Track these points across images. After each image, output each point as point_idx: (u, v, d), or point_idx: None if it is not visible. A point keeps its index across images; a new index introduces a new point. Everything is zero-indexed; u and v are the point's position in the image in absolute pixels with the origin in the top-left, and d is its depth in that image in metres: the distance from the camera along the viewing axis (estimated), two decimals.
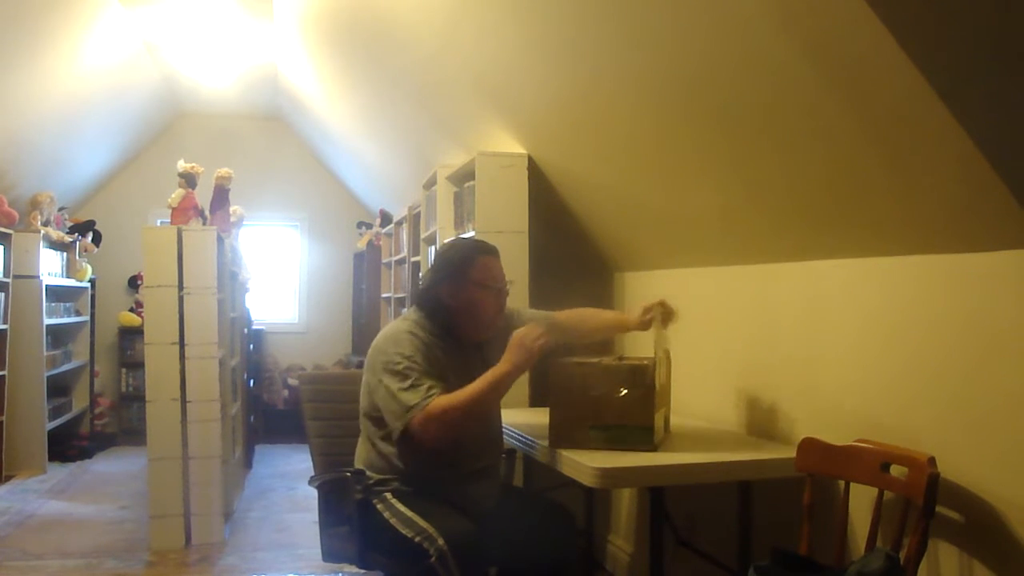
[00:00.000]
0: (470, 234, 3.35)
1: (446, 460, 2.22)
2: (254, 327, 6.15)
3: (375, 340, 2.29)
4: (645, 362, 2.23)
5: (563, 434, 2.22)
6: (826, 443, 2.03)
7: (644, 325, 2.45)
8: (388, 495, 2.20)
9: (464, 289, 2.26)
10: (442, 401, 2.08)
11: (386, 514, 2.18)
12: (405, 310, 2.45)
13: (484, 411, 2.21)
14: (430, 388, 2.11)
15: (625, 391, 2.18)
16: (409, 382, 2.12)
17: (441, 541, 2.05)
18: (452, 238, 3.49)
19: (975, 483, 1.78)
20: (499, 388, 2.14)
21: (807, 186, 2.07)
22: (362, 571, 2.40)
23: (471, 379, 2.25)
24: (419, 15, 3.35)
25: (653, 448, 2.19)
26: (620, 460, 2.08)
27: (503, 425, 2.58)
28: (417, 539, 2.08)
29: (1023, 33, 1.32)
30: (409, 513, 2.15)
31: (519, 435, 2.48)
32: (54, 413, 5.59)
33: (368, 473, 2.26)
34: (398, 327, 2.28)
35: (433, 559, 2.04)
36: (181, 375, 3.78)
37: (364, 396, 2.29)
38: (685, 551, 2.60)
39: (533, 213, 3.32)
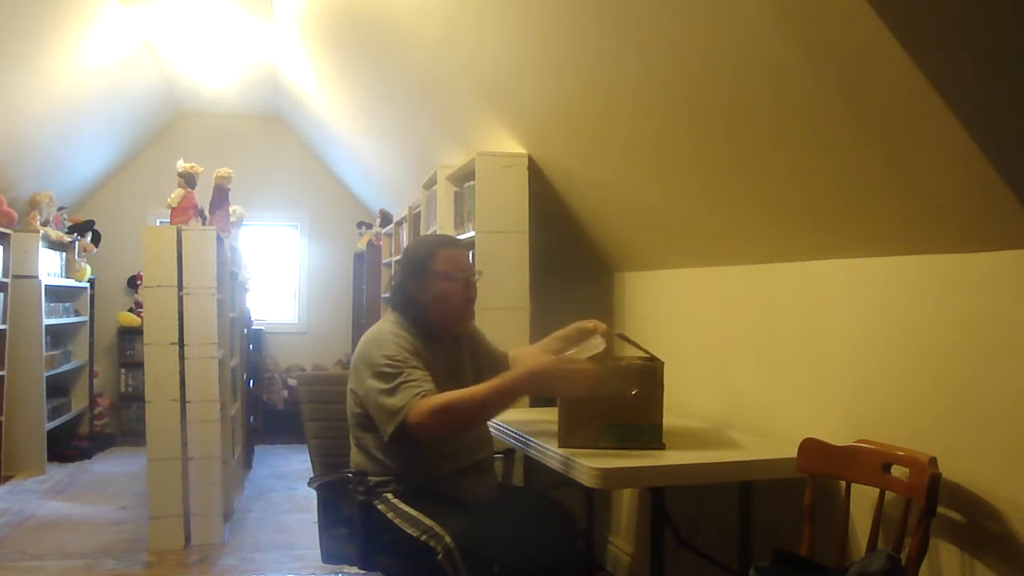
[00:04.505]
0: (470, 234, 3.35)
1: (439, 457, 2.22)
2: (254, 327, 6.15)
3: (359, 346, 2.27)
4: (655, 361, 2.24)
5: (573, 433, 2.22)
6: (827, 443, 2.03)
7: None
8: (389, 495, 2.20)
9: (431, 283, 2.28)
10: (445, 397, 2.08)
11: (390, 514, 2.17)
12: (385, 313, 2.45)
13: (489, 414, 2.21)
14: (420, 384, 2.10)
15: (636, 390, 2.19)
16: (397, 381, 2.11)
17: (448, 539, 2.05)
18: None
19: (976, 483, 1.78)
20: (505, 396, 2.11)
21: (808, 186, 2.07)
22: (363, 572, 2.39)
23: (457, 374, 2.26)
24: (419, 15, 3.35)
25: (662, 446, 2.20)
26: (620, 460, 2.08)
27: (503, 425, 2.59)
28: (423, 537, 2.08)
29: None
30: (413, 512, 2.14)
31: (519, 435, 2.48)
32: (53, 413, 5.58)
33: (368, 475, 2.25)
34: (380, 329, 2.28)
35: (440, 556, 2.03)
36: (180, 375, 3.77)
37: (351, 403, 2.29)
38: (686, 552, 2.60)
39: (533, 213, 3.32)
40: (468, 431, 2.23)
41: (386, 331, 2.25)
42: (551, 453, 2.23)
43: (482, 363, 2.49)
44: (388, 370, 2.13)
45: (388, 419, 2.10)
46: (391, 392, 2.11)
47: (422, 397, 2.07)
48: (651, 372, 2.21)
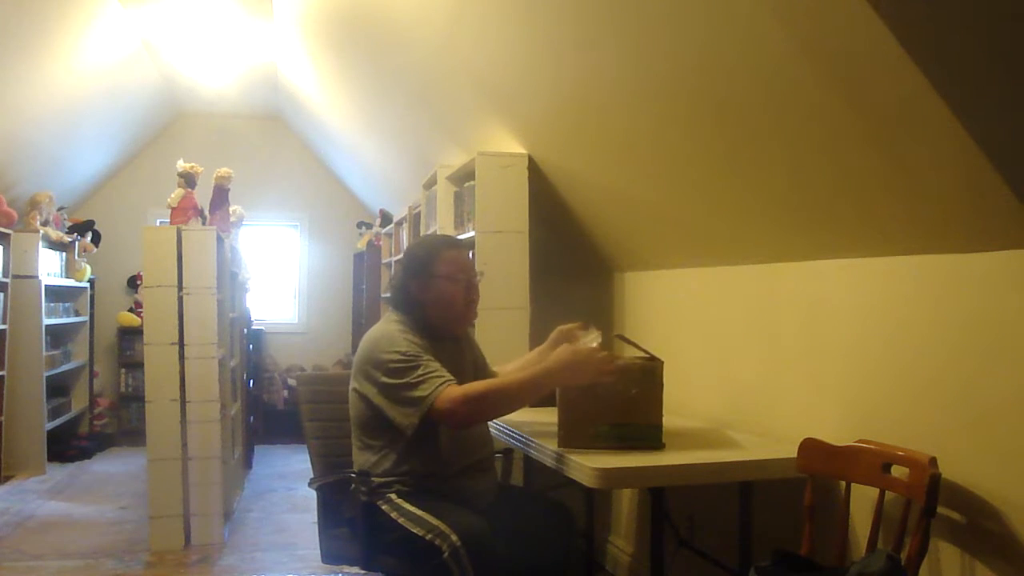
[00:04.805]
0: (470, 234, 3.35)
1: (443, 457, 2.22)
2: (254, 327, 6.15)
3: (363, 347, 2.26)
4: (655, 361, 2.23)
5: (573, 434, 2.22)
6: (827, 444, 2.03)
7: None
8: (393, 496, 2.20)
9: (432, 284, 2.29)
10: (479, 385, 2.14)
11: (393, 514, 2.17)
12: (386, 313, 2.45)
13: (518, 405, 2.22)
14: (441, 374, 2.12)
15: (635, 390, 2.18)
16: (417, 375, 2.12)
17: (455, 537, 2.05)
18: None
19: (976, 483, 1.78)
20: (537, 386, 2.16)
21: (807, 186, 2.07)
22: (363, 573, 2.39)
23: (459, 373, 2.26)
24: (419, 15, 3.35)
25: (662, 446, 2.20)
26: (620, 460, 2.08)
27: (504, 425, 2.59)
28: (429, 537, 2.08)
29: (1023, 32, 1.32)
30: (418, 512, 2.14)
31: (519, 435, 2.48)
32: (53, 413, 5.58)
33: (372, 476, 2.25)
34: (385, 328, 2.27)
35: (446, 555, 2.03)
36: (180, 375, 3.77)
37: (355, 404, 2.28)
38: (686, 552, 2.60)
39: (533, 213, 3.32)
40: (492, 419, 2.25)
41: (393, 330, 2.24)
42: (551, 453, 2.23)
43: (478, 369, 2.50)
44: (403, 365, 2.14)
45: (412, 411, 2.11)
46: (412, 385, 2.11)
47: (448, 386, 2.09)
48: (650, 372, 2.21)
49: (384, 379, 2.16)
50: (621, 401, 2.18)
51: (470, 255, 2.45)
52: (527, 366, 2.41)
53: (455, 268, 2.31)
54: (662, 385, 2.21)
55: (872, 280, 2.08)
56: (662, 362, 2.23)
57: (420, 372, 2.12)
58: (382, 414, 2.18)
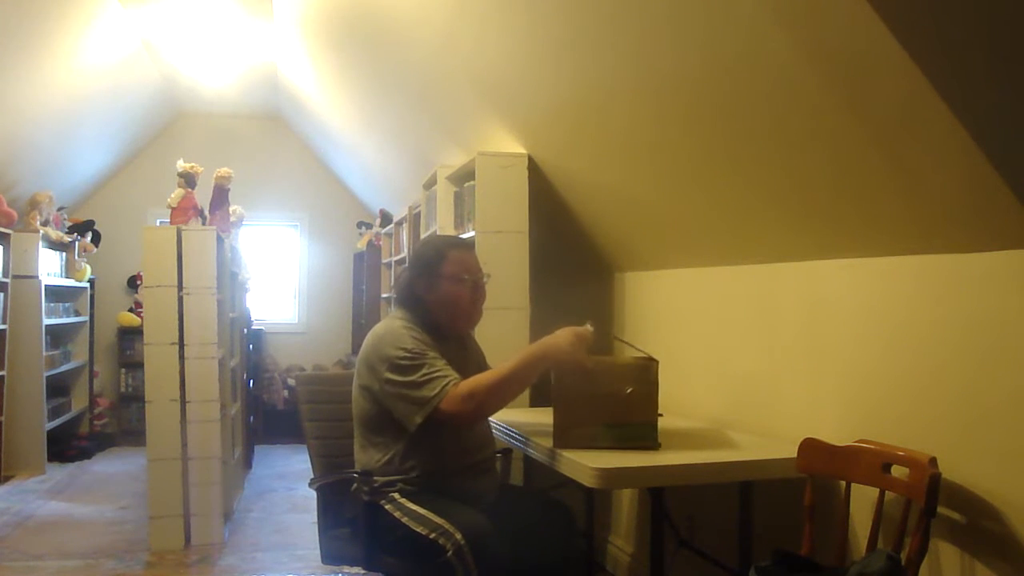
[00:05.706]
0: (470, 234, 3.35)
1: (445, 457, 2.22)
2: (254, 327, 6.15)
3: (368, 343, 2.27)
4: (650, 360, 2.23)
5: (568, 434, 2.21)
6: (827, 443, 2.03)
7: None
8: (396, 495, 2.20)
9: (439, 284, 2.30)
10: (472, 382, 2.12)
11: (396, 514, 2.17)
12: (391, 310, 2.46)
13: (515, 392, 2.22)
14: (447, 374, 2.13)
15: (631, 388, 2.18)
16: (422, 373, 2.13)
17: (459, 535, 2.05)
18: (427, 235, 3.49)
19: (976, 483, 1.78)
20: (527, 370, 2.16)
21: (808, 186, 2.07)
22: (364, 573, 2.39)
23: (462, 371, 2.26)
24: (419, 15, 3.35)
25: (658, 445, 2.20)
26: (620, 460, 2.08)
27: (504, 425, 2.59)
28: (433, 535, 2.08)
29: None
30: (422, 511, 2.14)
31: (519, 435, 2.48)
32: (53, 413, 5.58)
33: (374, 475, 2.25)
34: (391, 326, 2.27)
35: (450, 554, 2.03)
36: (180, 375, 3.77)
37: (358, 402, 2.28)
38: (686, 552, 2.60)
39: (533, 213, 3.32)
40: (498, 410, 2.26)
41: (398, 327, 2.25)
42: (550, 453, 2.23)
43: (481, 369, 2.50)
44: (409, 363, 2.14)
45: (417, 410, 2.12)
46: (419, 384, 2.12)
47: (454, 386, 2.10)
48: (645, 370, 2.21)
49: (389, 375, 2.16)
50: (616, 401, 2.18)
51: (476, 256, 2.46)
52: None
53: (461, 268, 2.32)
54: (657, 383, 2.20)
55: (872, 280, 2.08)
56: (657, 361, 2.23)
57: (426, 371, 2.13)
58: (386, 410, 2.19)
